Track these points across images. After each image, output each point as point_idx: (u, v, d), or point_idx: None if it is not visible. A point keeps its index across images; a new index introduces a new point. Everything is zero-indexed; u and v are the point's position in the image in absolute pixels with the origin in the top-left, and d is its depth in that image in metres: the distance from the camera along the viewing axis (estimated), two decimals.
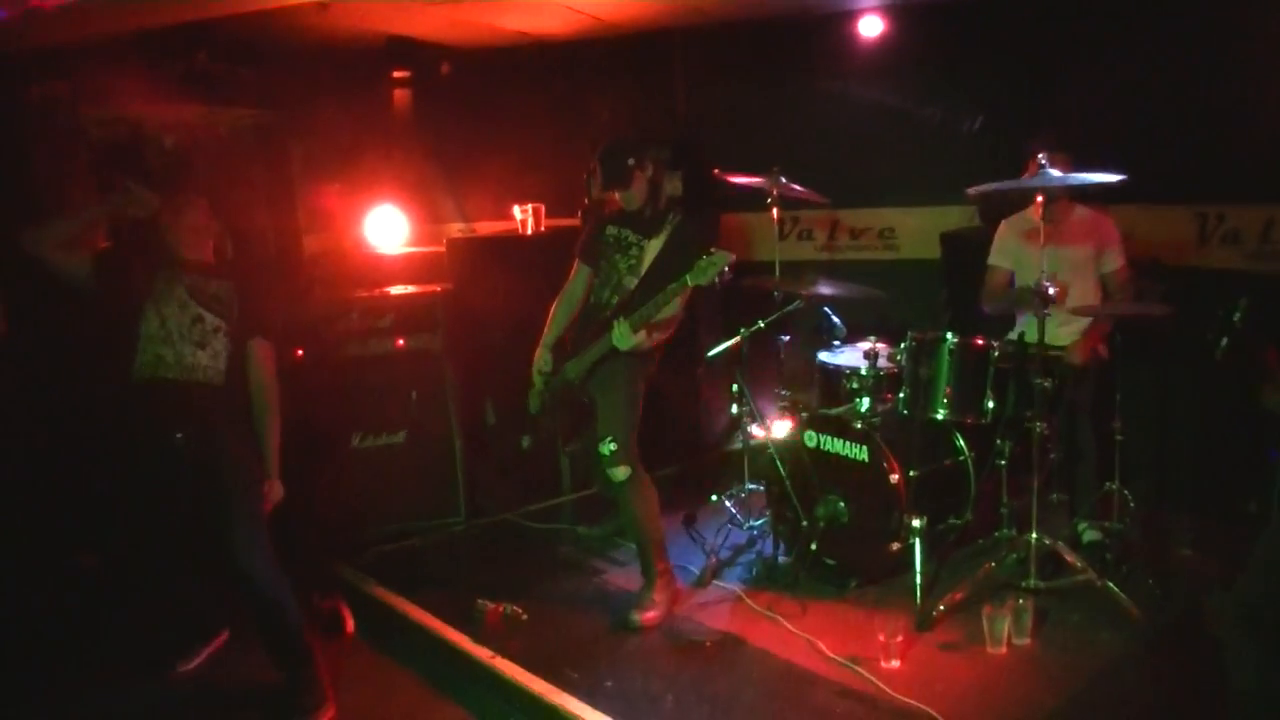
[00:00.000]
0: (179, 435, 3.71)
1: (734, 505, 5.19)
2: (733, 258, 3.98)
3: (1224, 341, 3.09)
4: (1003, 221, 4.93)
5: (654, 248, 4.29)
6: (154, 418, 3.76)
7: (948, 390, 4.42)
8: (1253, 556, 2.83)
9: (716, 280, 3.98)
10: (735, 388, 4.98)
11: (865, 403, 4.62)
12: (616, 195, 4.35)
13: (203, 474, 3.72)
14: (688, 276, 4.00)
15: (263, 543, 3.78)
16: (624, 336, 4.12)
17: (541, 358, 4.51)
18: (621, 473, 4.21)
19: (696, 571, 4.67)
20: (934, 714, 3.42)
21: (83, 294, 3.77)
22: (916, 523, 4.17)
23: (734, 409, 5.06)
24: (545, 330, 4.54)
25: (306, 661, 3.86)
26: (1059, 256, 4.48)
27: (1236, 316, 3.13)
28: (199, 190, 3.98)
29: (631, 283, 4.30)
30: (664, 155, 4.50)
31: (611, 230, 4.43)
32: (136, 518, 3.99)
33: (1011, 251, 4.85)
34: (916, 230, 6.27)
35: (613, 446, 4.18)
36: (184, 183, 3.91)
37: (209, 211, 3.94)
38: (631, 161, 4.25)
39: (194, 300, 3.79)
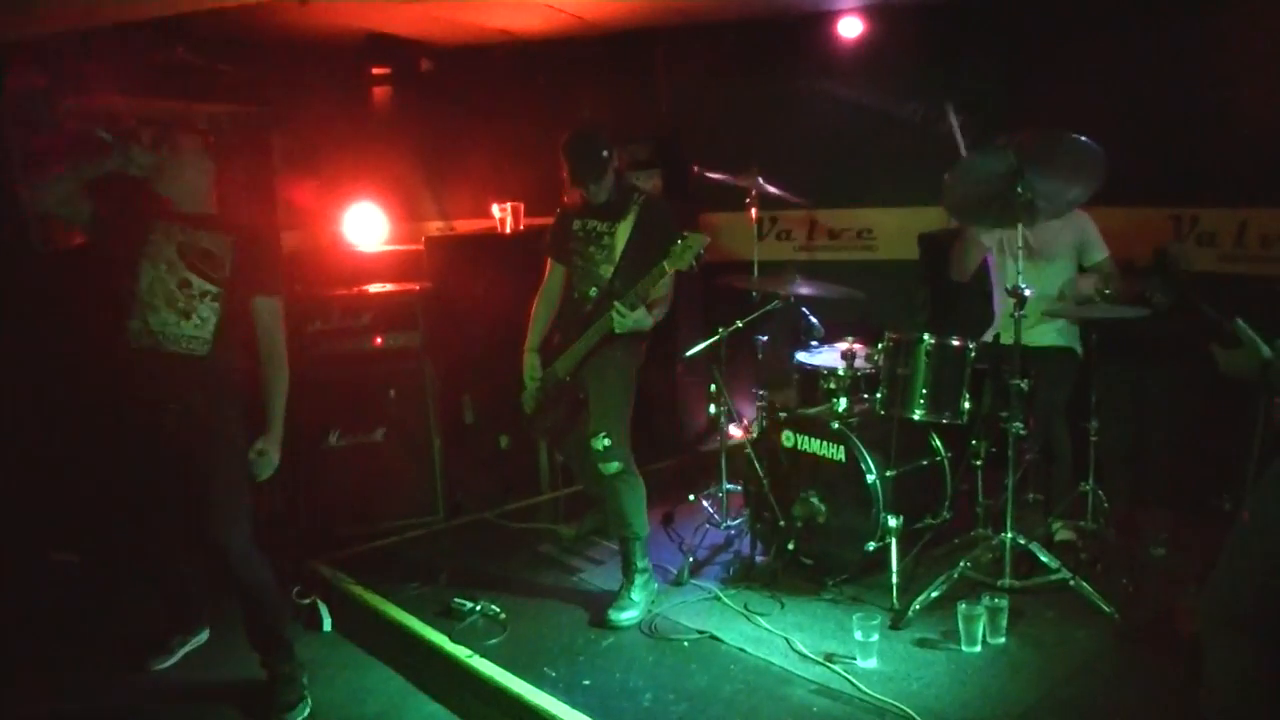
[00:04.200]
0: (170, 406, 3.63)
1: (711, 505, 5.21)
2: (707, 239, 4.03)
3: (1156, 279, 3.12)
4: None
5: (624, 231, 4.28)
6: (138, 388, 3.68)
7: (924, 390, 4.45)
8: (1223, 554, 2.85)
9: (694, 264, 4.00)
10: (713, 387, 5.00)
11: (842, 403, 4.63)
12: (584, 190, 4.28)
13: (184, 447, 3.66)
14: (665, 262, 4.02)
15: (243, 522, 3.72)
16: (621, 319, 4.11)
17: (529, 363, 4.51)
18: (614, 466, 4.22)
19: (674, 571, 4.68)
20: (909, 712, 3.44)
21: (85, 234, 3.73)
22: (893, 522, 4.20)
23: (712, 408, 5.07)
24: (528, 335, 4.54)
25: (286, 655, 3.84)
26: (1041, 251, 4.51)
27: (1167, 258, 3.16)
28: (195, 139, 3.84)
29: (608, 271, 4.29)
30: (626, 143, 4.48)
31: (577, 223, 4.42)
32: (119, 501, 3.94)
33: (995, 238, 4.86)
34: (895, 230, 6.30)
35: (606, 442, 4.17)
36: (182, 138, 3.76)
37: (201, 153, 3.79)
38: (606, 153, 4.21)
39: (183, 261, 3.65)
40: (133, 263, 3.64)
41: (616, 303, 4.12)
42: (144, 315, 3.63)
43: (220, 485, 3.68)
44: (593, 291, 4.33)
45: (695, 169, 5.33)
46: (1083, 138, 3.85)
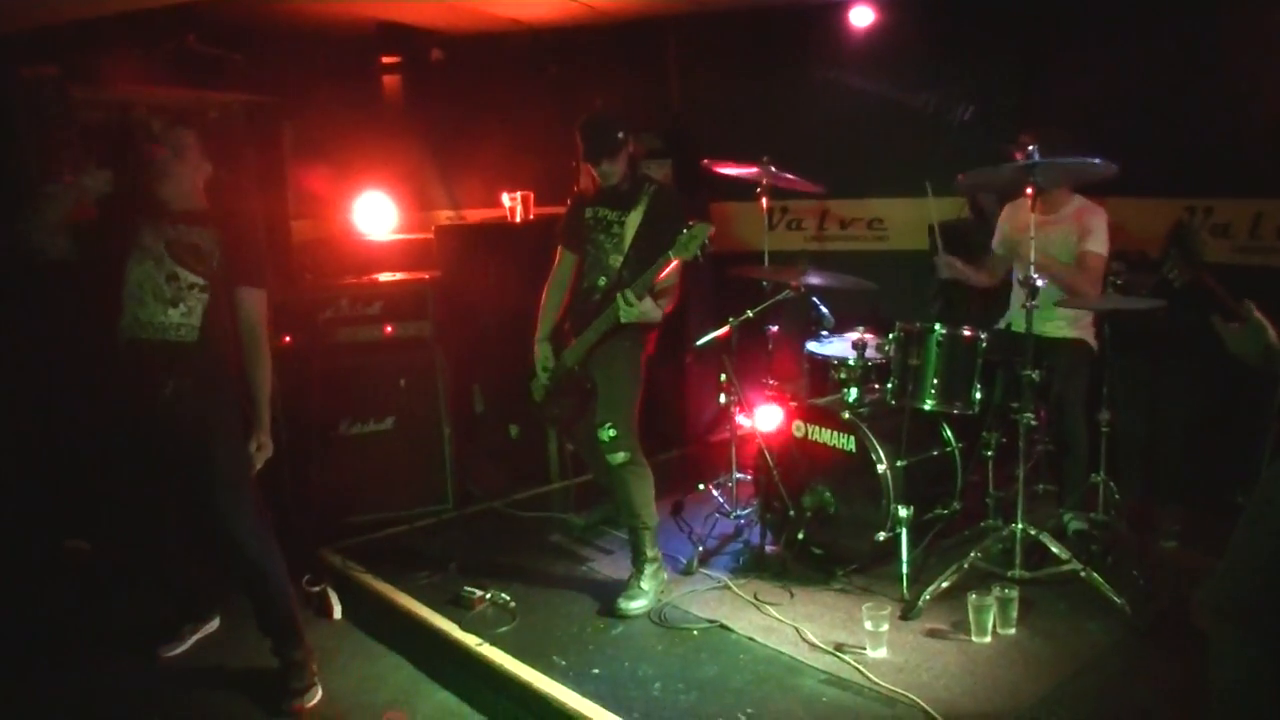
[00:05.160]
0: (163, 390, 3.64)
1: (721, 494, 5.20)
2: (712, 229, 4.01)
3: (1173, 252, 3.12)
4: (1006, 205, 4.94)
5: (634, 221, 4.26)
6: (132, 378, 3.70)
7: (936, 381, 4.43)
8: (1230, 545, 2.84)
9: (699, 253, 3.98)
10: (723, 377, 4.99)
11: (853, 393, 4.63)
12: (595, 170, 4.28)
13: (183, 435, 3.68)
14: (670, 251, 4.00)
15: (248, 507, 3.74)
16: (629, 309, 4.09)
17: (541, 353, 4.49)
18: (621, 457, 4.21)
19: (684, 560, 4.68)
20: (919, 702, 3.43)
21: (69, 264, 3.75)
22: (904, 512, 4.20)
23: (722, 398, 5.06)
24: (538, 324, 4.53)
25: (295, 642, 3.85)
26: (1049, 247, 4.49)
27: (1183, 232, 3.16)
28: (190, 135, 3.86)
29: (617, 261, 4.27)
30: (640, 132, 4.48)
31: (589, 211, 4.40)
32: (124, 492, 3.95)
33: (1005, 239, 4.87)
34: (906, 220, 6.28)
35: (612, 432, 4.17)
36: (185, 137, 3.78)
37: (200, 153, 3.80)
38: (621, 134, 4.20)
39: (170, 255, 3.67)
40: (120, 263, 3.69)
41: (624, 291, 4.11)
42: (133, 310, 3.68)
43: (221, 470, 3.70)
44: (601, 281, 4.32)
45: (705, 163, 5.32)
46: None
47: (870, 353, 4.71)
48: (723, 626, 4.10)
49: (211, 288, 3.73)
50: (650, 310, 4.16)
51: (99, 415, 3.95)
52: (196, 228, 3.74)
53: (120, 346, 3.70)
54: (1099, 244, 4.55)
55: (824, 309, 5.13)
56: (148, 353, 3.68)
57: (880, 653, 3.78)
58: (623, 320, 4.14)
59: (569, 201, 4.61)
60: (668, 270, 4.09)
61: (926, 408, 4.46)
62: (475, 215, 6.67)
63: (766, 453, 4.66)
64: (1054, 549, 4.15)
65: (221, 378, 3.78)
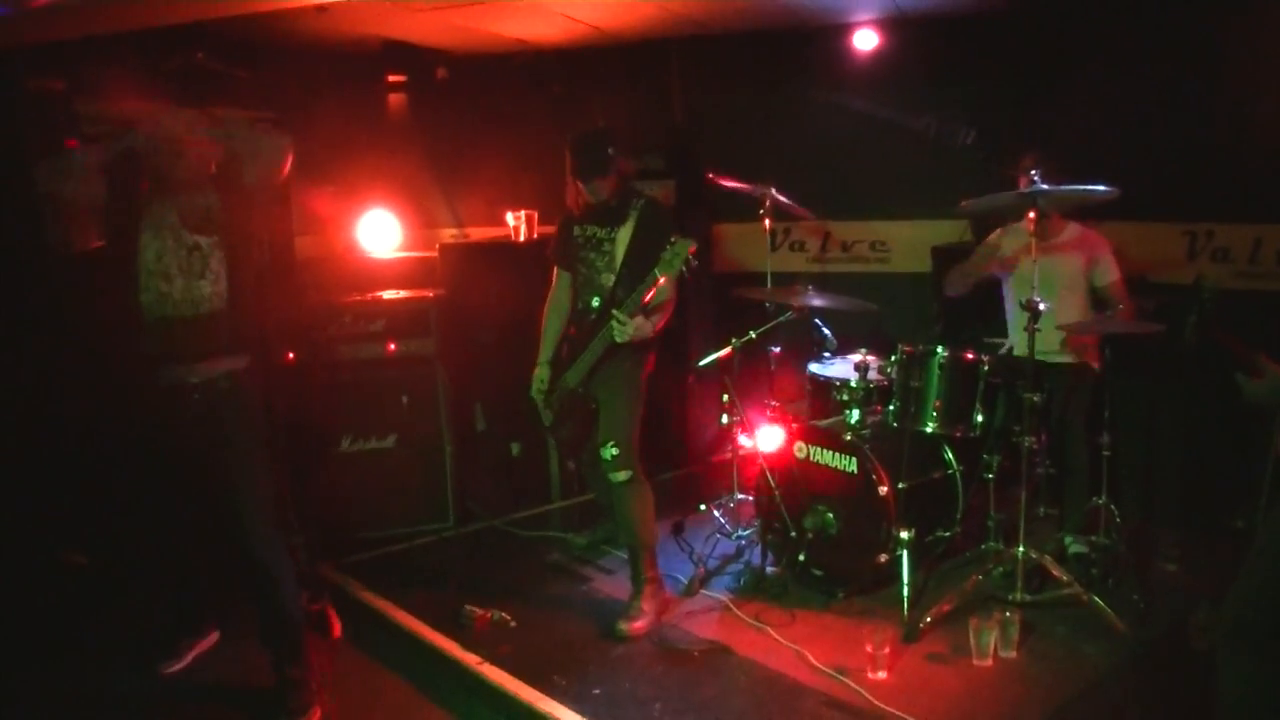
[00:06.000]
0: (195, 397, 3.63)
1: (722, 514, 5.20)
2: (693, 244, 4.00)
3: (1192, 319, 3.16)
4: (1000, 228, 4.96)
5: (624, 238, 4.25)
6: (166, 358, 3.66)
7: (937, 403, 4.44)
8: (1241, 570, 2.87)
9: (684, 269, 3.99)
10: (725, 397, 4.99)
11: (855, 414, 4.64)
12: (585, 187, 4.26)
13: (205, 443, 3.66)
14: (656, 270, 4.00)
15: (266, 515, 3.75)
16: (622, 328, 4.08)
17: (539, 377, 4.49)
18: (623, 475, 4.21)
19: (684, 580, 4.67)
20: None
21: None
22: (905, 535, 4.19)
23: (724, 419, 5.07)
24: (540, 347, 4.53)
25: (297, 657, 3.84)
26: (1050, 272, 4.50)
27: (1205, 295, 3.21)
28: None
29: (610, 279, 4.27)
30: (631, 150, 4.50)
31: (578, 230, 4.40)
32: (136, 495, 3.93)
33: (996, 259, 4.89)
34: (908, 243, 6.30)
35: (614, 451, 4.17)
36: (189, 113, 3.75)
37: (205, 122, 3.80)
38: (612, 151, 4.20)
39: (186, 227, 3.64)
40: (133, 236, 3.64)
41: (615, 312, 4.10)
42: (156, 286, 3.63)
43: (243, 478, 3.70)
44: (596, 301, 4.30)
45: (710, 176, 5.32)
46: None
47: (872, 374, 4.72)
48: (723, 648, 4.09)
49: (224, 241, 3.69)
50: (643, 328, 4.15)
51: (120, 419, 3.94)
52: (203, 195, 3.72)
53: (144, 327, 3.64)
54: (1116, 269, 4.65)
55: (826, 330, 5.15)
56: (178, 330, 3.63)
57: (881, 675, 3.78)
58: (617, 340, 4.13)
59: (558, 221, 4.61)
60: (655, 288, 4.07)
61: (928, 430, 4.46)
62: (479, 234, 6.69)
63: (768, 473, 4.66)
64: (1055, 572, 4.15)
65: (253, 345, 3.78)
